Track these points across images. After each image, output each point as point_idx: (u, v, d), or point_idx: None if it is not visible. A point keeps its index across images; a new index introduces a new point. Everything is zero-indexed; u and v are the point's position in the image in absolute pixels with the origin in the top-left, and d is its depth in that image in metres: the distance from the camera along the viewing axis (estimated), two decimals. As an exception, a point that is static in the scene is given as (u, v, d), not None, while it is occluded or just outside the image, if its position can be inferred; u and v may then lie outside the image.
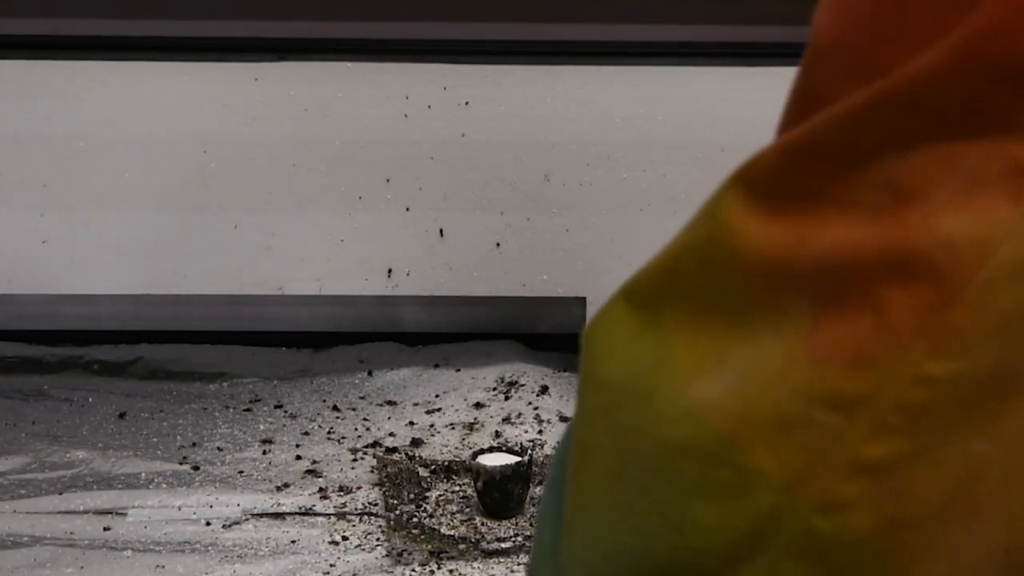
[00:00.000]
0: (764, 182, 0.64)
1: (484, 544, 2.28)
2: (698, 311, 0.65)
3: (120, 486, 2.45)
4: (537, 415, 2.72)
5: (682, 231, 0.70)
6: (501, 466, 2.34)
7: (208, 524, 2.34)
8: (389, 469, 2.52)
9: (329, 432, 2.67)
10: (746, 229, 0.64)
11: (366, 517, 2.37)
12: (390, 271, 2.88)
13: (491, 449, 2.42)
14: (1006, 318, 0.60)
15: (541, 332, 2.98)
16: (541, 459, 2.54)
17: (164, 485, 2.46)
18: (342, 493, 2.44)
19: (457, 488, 2.45)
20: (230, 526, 2.34)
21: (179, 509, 2.38)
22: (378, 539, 2.30)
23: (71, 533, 2.31)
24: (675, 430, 0.65)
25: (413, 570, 2.21)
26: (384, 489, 2.44)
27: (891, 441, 0.62)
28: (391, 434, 2.66)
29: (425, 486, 2.46)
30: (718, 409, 0.63)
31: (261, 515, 2.37)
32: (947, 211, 0.60)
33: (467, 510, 2.38)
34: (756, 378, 0.63)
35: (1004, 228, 0.60)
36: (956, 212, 0.60)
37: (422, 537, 2.30)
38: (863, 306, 0.61)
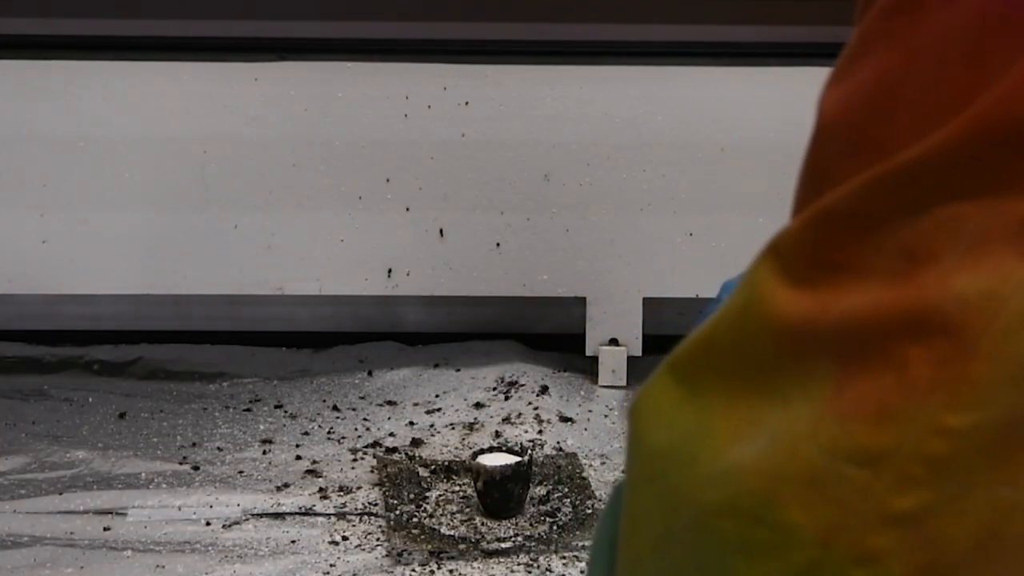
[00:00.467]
0: (789, 253, 0.68)
1: (484, 544, 2.28)
2: (734, 380, 0.69)
3: (120, 486, 2.45)
4: (537, 415, 2.72)
5: (724, 302, 0.74)
6: (501, 466, 2.34)
7: (208, 524, 2.34)
8: (389, 469, 2.52)
9: (329, 432, 2.67)
10: (774, 297, 0.68)
11: (366, 517, 2.37)
12: (390, 271, 2.88)
13: (491, 449, 2.42)
14: (1021, 366, 0.63)
15: (541, 332, 2.98)
16: (541, 459, 2.54)
17: (164, 485, 2.46)
18: (342, 493, 2.44)
19: (457, 488, 2.45)
20: (230, 526, 2.34)
21: (179, 509, 2.38)
22: (378, 539, 2.30)
23: (71, 533, 2.31)
24: (714, 493, 0.68)
25: (413, 570, 2.21)
26: (384, 489, 2.44)
27: (917, 492, 0.64)
28: (391, 434, 2.66)
29: (425, 486, 2.46)
30: (753, 470, 0.67)
31: (261, 515, 2.37)
32: (959, 270, 0.63)
33: (467, 510, 2.38)
34: (787, 438, 0.66)
35: (1014, 281, 0.63)
36: (967, 270, 0.63)
37: (422, 537, 2.30)
38: (884, 363, 0.65)
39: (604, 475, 2.52)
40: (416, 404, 2.77)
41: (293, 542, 2.29)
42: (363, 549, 2.27)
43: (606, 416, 2.75)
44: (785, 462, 0.66)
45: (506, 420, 2.70)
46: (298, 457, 2.57)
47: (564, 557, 2.24)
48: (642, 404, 0.74)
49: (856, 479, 0.65)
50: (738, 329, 0.70)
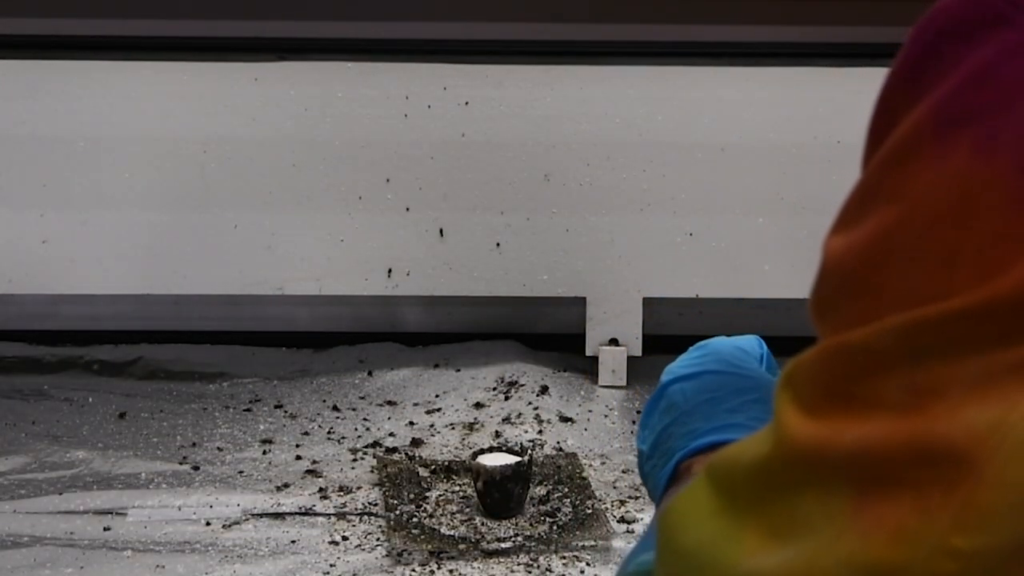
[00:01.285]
0: (802, 383, 0.75)
1: (484, 544, 2.28)
2: (764, 495, 0.75)
3: (120, 486, 2.45)
4: (537, 415, 2.72)
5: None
6: (501, 466, 2.34)
7: (208, 524, 2.34)
8: (389, 469, 2.52)
9: (329, 432, 2.67)
10: (789, 425, 0.74)
11: (366, 517, 2.37)
12: (390, 271, 2.88)
13: (491, 449, 2.42)
14: (1018, 511, 0.68)
15: (541, 332, 2.98)
16: (541, 459, 2.54)
17: (164, 485, 2.46)
18: (342, 493, 2.44)
19: (457, 488, 2.45)
20: (230, 526, 2.34)
21: (179, 509, 2.38)
22: (378, 539, 2.30)
23: (71, 533, 2.31)
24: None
25: (413, 570, 2.21)
26: (384, 489, 2.44)
27: None
28: (391, 434, 2.66)
29: (425, 486, 2.46)
30: (758, 569, 0.74)
31: (261, 515, 2.37)
32: (966, 403, 0.69)
33: (467, 510, 2.38)
34: (808, 552, 0.72)
35: (1019, 412, 0.68)
36: (974, 403, 0.69)
37: (422, 537, 2.29)
38: (900, 486, 0.70)
39: (604, 475, 2.52)
40: (416, 404, 2.77)
41: (293, 542, 2.29)
42: (363, 549, 2.27)
43: (606, 416, 2.75)
44: (804, 571, 0.72)
45: (506, 420, 2.70)
46: (298, 457, 2.57)
47: (564, 557, 2.24)
48: (679, 505, 0.81)
49: None
50: (763, 454, 0.76)
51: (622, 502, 2.42)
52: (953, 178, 0.72)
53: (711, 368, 1.32)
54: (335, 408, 2.76)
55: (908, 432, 0.70)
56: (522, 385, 2.82)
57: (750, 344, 1.38)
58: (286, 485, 2.46)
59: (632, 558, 1.12)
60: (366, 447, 2.61)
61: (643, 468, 1.33)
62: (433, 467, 2.52)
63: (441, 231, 2.86)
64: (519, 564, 2.22)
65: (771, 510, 0.75)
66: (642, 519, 2.36)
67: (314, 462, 2.55)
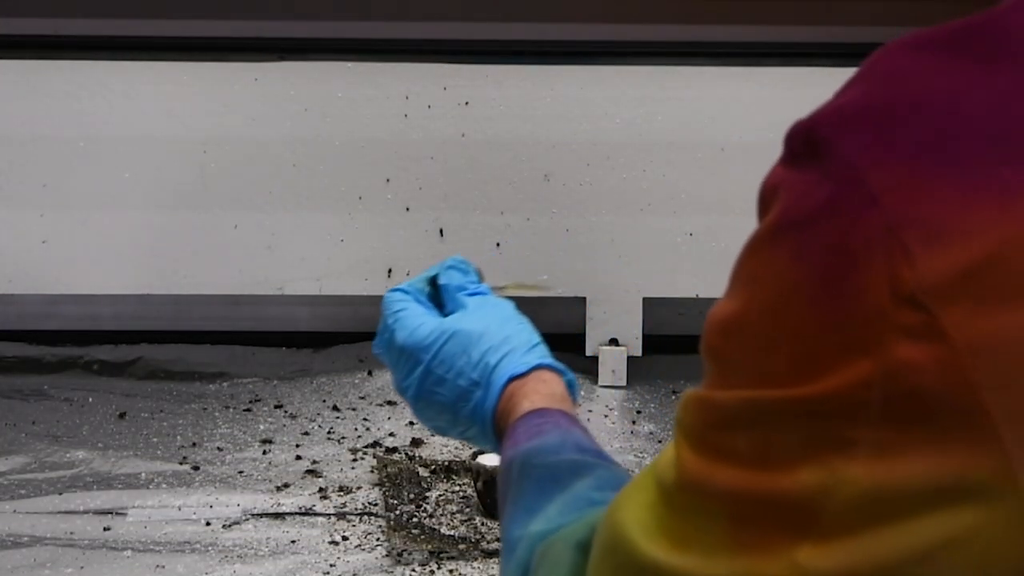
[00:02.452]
0: (688, 421, 0.88)
1: (484, 544, 2.28)
2: (672, 508, 0.90)
3: (120, 486, 2.45)
4: (537, 415, 2.72)
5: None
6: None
7: (208, 524, 2.34)
8: (389, 469, 2.52)
9: (329, 432, 2.67)
10: (683, 455, 0.88)
11: (366, 517, 2.37)
12: (390, 271, 2.88)
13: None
14: (848, 549, 0.81)
15: (541, 332, 2.98)
16: (541, 459, 2.54)
17: (164, 485, 2.46)
18: (342, 493, 2.44)
19: (457, 488, 2.45)
20: (230, 526, 2.34)
21: (179, 509, 2.38)
22: (378, 539, 2.30)
23: (71, 533, 2.31)
24: (641, 571, 0.91)
25: (413, 570, 2.21)
26: (384, 489, 2.44)
27: None
28: (391, 434, 2.66)
29: (425, 486, 2.46)
30: (668, 567, 0.89)
31: (261, 515, 2.37)
32: (797, 467, 0.82)
33: (467, 510, 2.38)
34: (701, 563, 0.87)
35: (839, 475, 0.80)
36: (805, 467, 0.82)
37: (422, 537, 2.30)
38: (764, 523, 0.84)
39: (604, 475, 2.52)
40: (416, 404, 2.77)
41: (293, 542, 2.29)
42: (363, 549, 2.27)
43: (606, 416, 2.75)
44: (694, 572, 0.87)
45: (506, 420, 2.70)
46: (298, 457, 2.57)
47: (564, 557, 2.24)
48: (629, 490, 0.96)
49: None
50: (671, 476, 0.90)
51: (622, 502, 2.42)
52: (776, 277, 0.84)
53: (426, 359, 1.47)
54: (335, 408, 2.76)
55: (758, 484, 0.84)
56: (522, 385, 2.82)
57: (403, 300, 1.58)
58: (286, 485, 2.46)
59: (520, 527, 1.22)
60: (366, 447, 2.61)
61: (424, 396, 1.45)
62: (433, 467, 2.52)
63: (441, 231, 2.86)
64: (519, 564, 2.22)
65: (675, 523, 0.89)
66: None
67: (314, 462, 2.55)
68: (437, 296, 1.60)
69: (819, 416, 0.81)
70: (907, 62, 0.85)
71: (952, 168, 0.79)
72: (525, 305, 3.05)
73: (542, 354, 1.61)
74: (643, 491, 0.93)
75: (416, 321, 1.47)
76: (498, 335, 1.57)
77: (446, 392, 1.43)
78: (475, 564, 2.22)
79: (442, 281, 1.63)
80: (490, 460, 2.36)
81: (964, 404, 0.78)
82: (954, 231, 0.78)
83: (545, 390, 1.55)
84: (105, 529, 2.32)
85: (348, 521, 2.36)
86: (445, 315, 1.53)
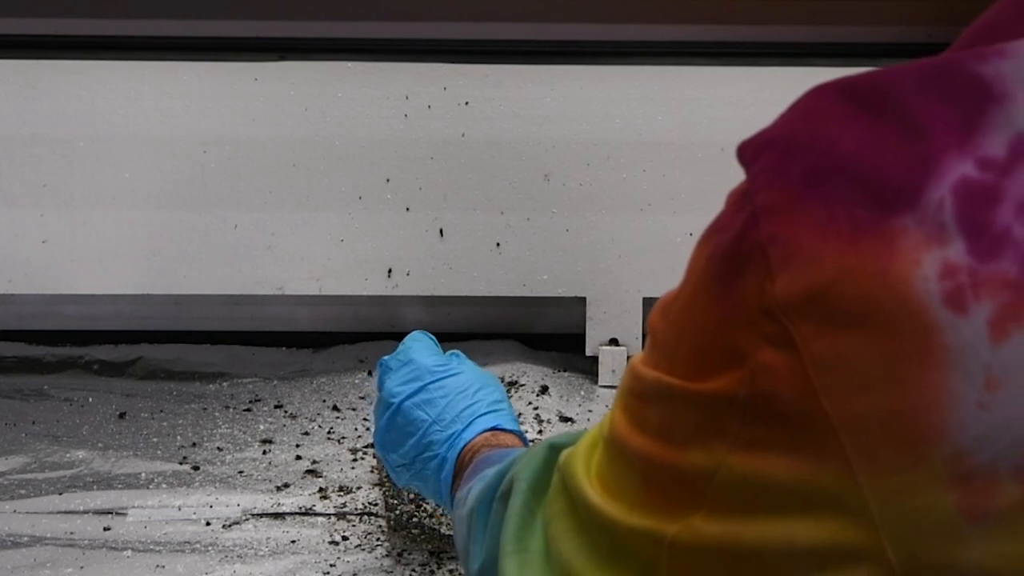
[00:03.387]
0: (621, 386, 1.06)
1: (484, 544, 2.28)
2: (602, 460, 1.08)
3: (120, 486, 2.45)
4: (537, 415, 2.72)
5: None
6: (501, 466, 2.34)
7: (208, 524, 2.34)
8: (389, 469, 2.52)
9: (329, 432, 2.67)
10: (614, 413, 1.05)
11: (366, 517, 2.37)
12: (390, 271, 2.88)
13: (491, 449, 2.42)
14: (729, 524, 0.93)
15: (541, 332, 2.98)
16: (541, 459, 2.54)
17: (164, 485, 2.46)
18: (342, 493, 2.44)
19: (457, 488, 2.45)
20: (230, 526, 2.34)
21: (179, 509, 2.38)
22: (378, 539, 2.30)
23: (71, 533, 2.31)
24: (587, 507, 1.08)
25: (413, 570, 2.21)
26: (384, 489, 2.44)
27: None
28: (391, 434, 2.66)
29: (425, 486, 2.46)
30: (601, 511, 1.05)
31: (261, 515, 2.37)
32: (691, 446, 0.95)
33: (467, 510, 2.38)
34: (621, 510, 1.02)
35: (720, 460, 0.94)
36: (696, 448, 0.94)
37: (422, 537, 2.30)
38: (667, 486, 0.98)
39: (604, 475, 2.52)
40: (416, 404, 2.77)
41: (293, 542, 2.30)
42: (363, 549, 2.27)
43: (606, 416, 2.75)
44: (618, 523, 1.01)
45: (506, 420, 2.70)
46: (298, 457, 2.57)
47: (564, 557, 2.24)
48: (576, 450, 1.16)
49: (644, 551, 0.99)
50: (603, 432, 1.12)
51: (622, 502, 2.43)
52: (696, 273, 0.96)
53: (428, 380, 1.75)
54: (335, 408, 2.76)
55: (662, 455, 0.96)
56: (522, 385, 2.82)
57: (424, 339, 1.84)
58: (286, 485, 2.46)
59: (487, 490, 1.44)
60: (366, 447, 2.61)
61: (401, 474, 1.89)
62: (433, 467, 2.52)
63: (441, 231, 2.86)
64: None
65: (606, 471, 1.04)
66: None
67: (314, 462, 2.55)
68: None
69: (707, 408, 0.92)
70: (824, 103, 0.95)
71: (819, 200, 0.90)
72: (525, 305, 3.05)
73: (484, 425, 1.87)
74: (592, 436, 1.11)
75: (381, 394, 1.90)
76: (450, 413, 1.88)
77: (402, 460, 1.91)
78: (475, 564, 2.22)
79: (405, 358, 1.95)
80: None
81: (810, 410, 0.87)
82: (808, 256, 0.88)
83: (495, 441, 1.79)
84: (105, 529, 2.32)
85: (348, 521, 2.36)
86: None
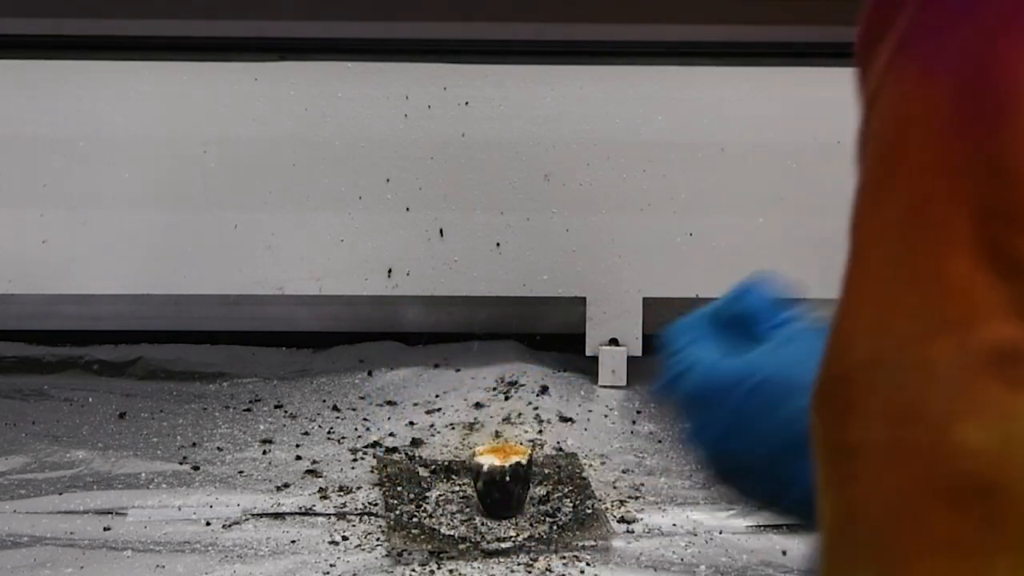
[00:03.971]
0: None
1: (484, 544, 2.28)
2: None
3: (120, 486, 2.45)
4: (537, 415, 2.72)
5: None
6: (501, 466, 2.34)
7: (208, 524, 2.34)
8: (389, 469, 2.51)
9: (329, 432, 2.67)
10: None
11: (366, 517, 2.37)
12: (390, 271, 2.88)
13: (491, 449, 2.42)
14: None
15: (541, 332, 2.98)
16: (541, 459, 2.54)
17: (164, 485, 2.46)
18: (342, 493, 2.44)
19: (457, 488, 2.45)
20: (230, 526, 2.34)
21: (179, 509, 2.38)
22: (378, 539, 2.30)
23: (71, 533, 2.31)
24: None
25: (413, 570, 2.21)
26: (384, 489, 2.44)
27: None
28: (391, 434, 2.66)
29: (425, 486, 2.46)
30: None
31: (261, 515, 2.37)
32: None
33: (467, 510, 2.38)
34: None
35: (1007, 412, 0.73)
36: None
37: (422, 537, 2.29)
38: None
39: (604, 475, 2.52)
40: (416, 404, 2.77)
41: (293, 542, 2.29)
42: (363, 549, 2.27)
43: (606, 416, 2.75)
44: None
45: (506, 420, 2.70)
46: (298, 457, 2.57)
47: (564, 557, 2.24)
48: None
49: None
50: None
51: (622, 502, 2.42)
52: (897, 105, 0.69)
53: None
54: (335, 408, 2.76)
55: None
56: (522, 385, 2.82)
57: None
58: (286, 485, 2.46)
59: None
60: (366, 447, 2.61)
61: (755, 472, 1.04)
62: (433, 467, 2.52)
63: (441, 231, 2.86)
64: (519, 564, 2.22)
65: None
66: (642, 519, 2.36)
67: (314, 462, 2.55)
68: (739, 326, 1.17)
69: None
70: None
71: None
72: (525, 305, 3.05)
73: None
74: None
75: (706, 361, 1.08)
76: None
77: (750, 456, 1.04)
78: (475, 564, 2.22)
79: (738, 309, 1.18)
80: (490, 460, 2.35)
81: None
82: None
83: None
84: (105, 529, 2.32)
85: (348, 521, 2.36)
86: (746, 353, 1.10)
